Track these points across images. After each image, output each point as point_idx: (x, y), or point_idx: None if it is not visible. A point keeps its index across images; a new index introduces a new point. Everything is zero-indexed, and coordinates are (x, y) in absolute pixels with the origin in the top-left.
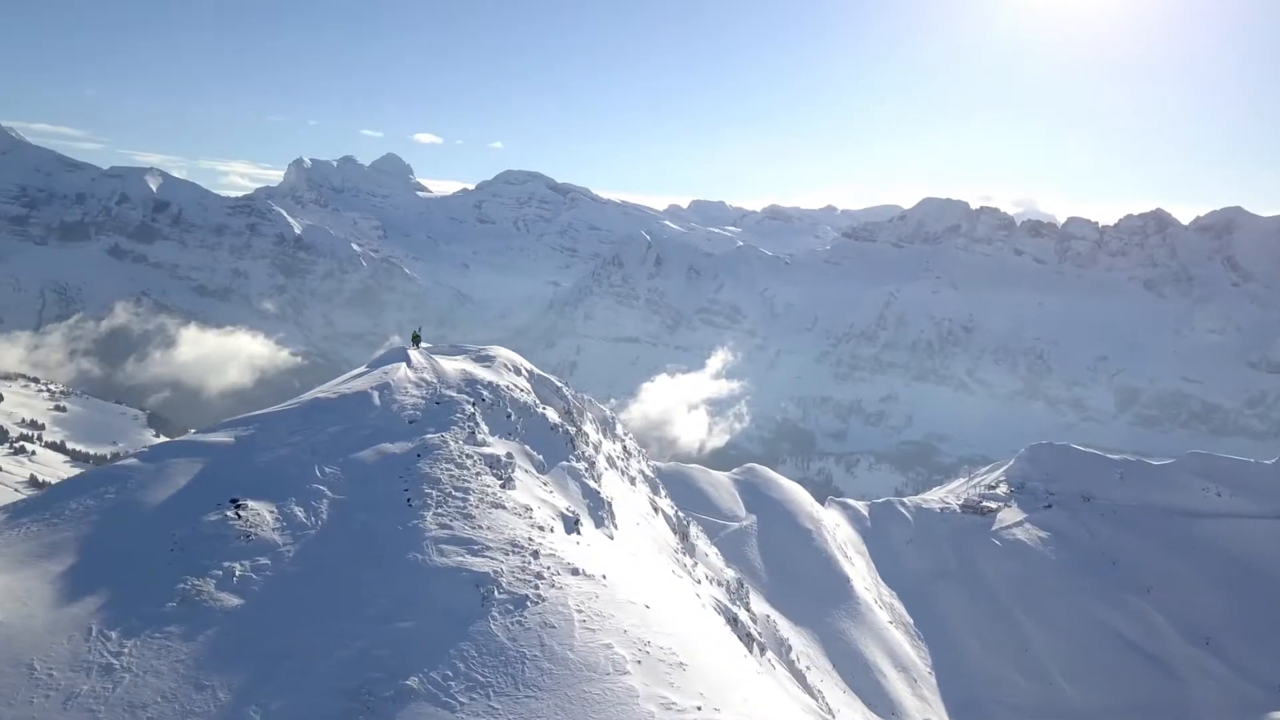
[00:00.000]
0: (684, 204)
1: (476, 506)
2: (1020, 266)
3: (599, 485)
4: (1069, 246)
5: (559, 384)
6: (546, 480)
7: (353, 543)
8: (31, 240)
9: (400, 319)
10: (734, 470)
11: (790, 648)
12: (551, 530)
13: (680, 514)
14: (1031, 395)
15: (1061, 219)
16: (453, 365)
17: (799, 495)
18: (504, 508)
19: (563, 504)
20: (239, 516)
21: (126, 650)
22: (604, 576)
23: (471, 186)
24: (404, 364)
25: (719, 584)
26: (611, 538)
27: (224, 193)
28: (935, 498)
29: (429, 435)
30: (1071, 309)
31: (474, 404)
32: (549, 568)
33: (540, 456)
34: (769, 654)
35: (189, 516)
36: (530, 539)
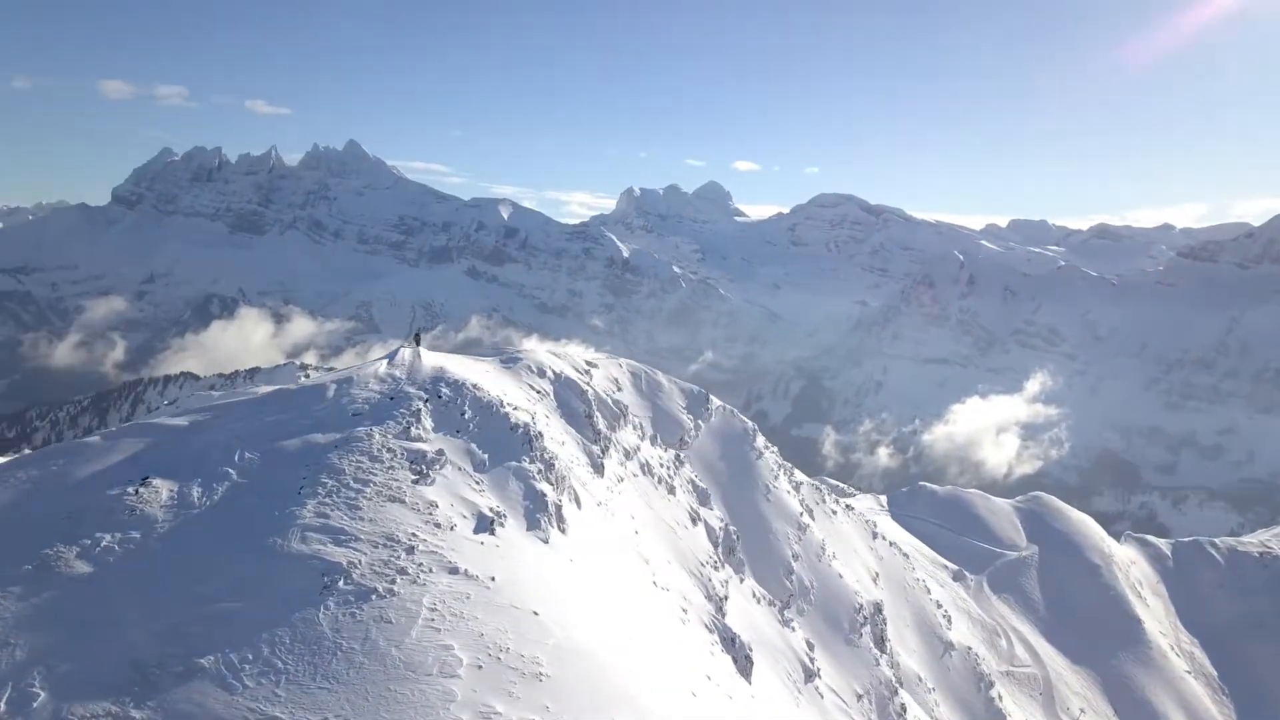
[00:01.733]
0: (1002, 223)
1: (370, 499)
2: None
3: (552, 487)
4: None
5: (584, 387)
6: (480, 479)
7: (225, 524)
8: (407, 263)
9: (714, 336)
10: (1017, 498)
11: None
12: (452, 528)
13: (732, 528)
14: None
15: None
16: (433, 363)
17: (1088, 527)
18: (401, 501)
19: (489, 503)
20: (136, 493)
21: None
22: (493, 579)
23: (786, 210)
24: (385, 360)
25: (770, 604)
26: (546, 541)
27: (564, 220)
28: (1255, 540)
29: (359, 428)
30: None
31: (426, 400)
32: (421, 564)
33: (485, 455)
34: (816, 683)
35: (98, 490)
36: (414, 534)
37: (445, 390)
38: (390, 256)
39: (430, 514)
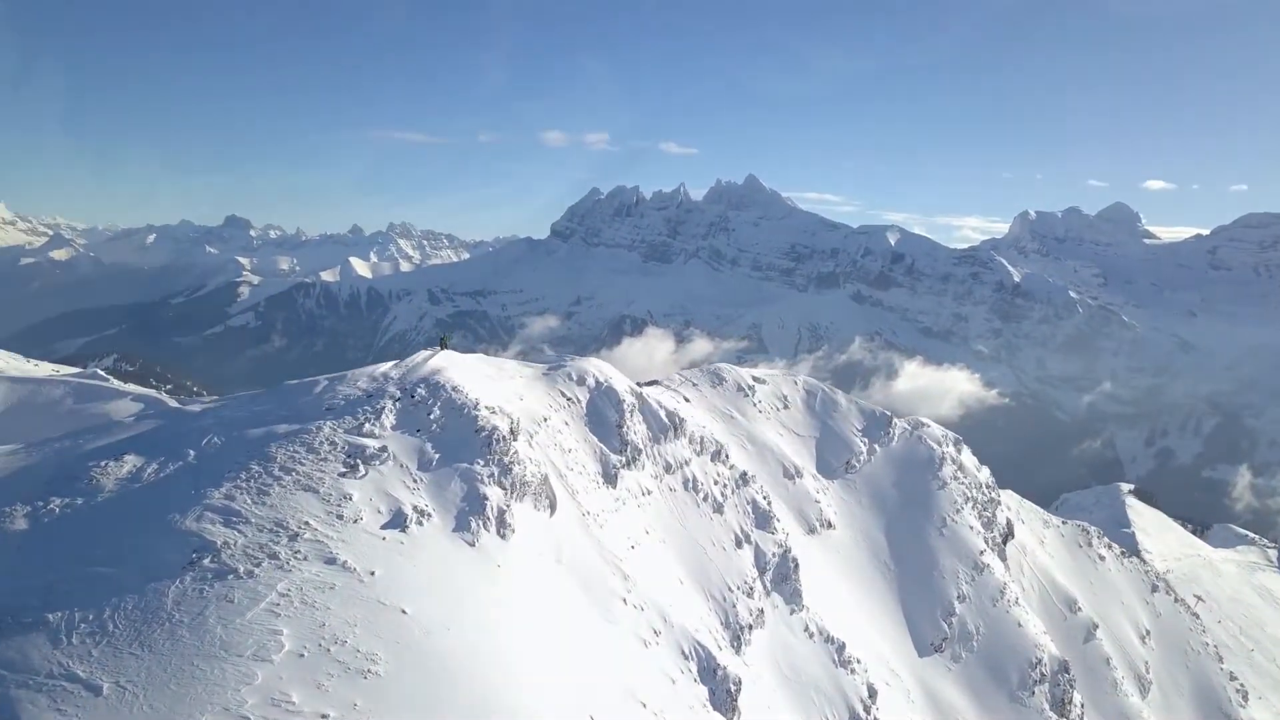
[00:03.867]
0: None
1: (285, 487)
2: None
3: (505, 491)
4: None
5: (624, 397)
6: (420, 478)
7: (149, 498)
8: (795, 288)
9: (1115, 365)
10: None
11: None
12: (356, 521)
13: (794, 555)
14: None
15: None
16: (437, 365)
17: None
18: (315, 492)
19: (416, 501)
20: (104, 466)
21: None
22: (372, 573)
23: (1205, 232)
24: (394, 362)
25: (827, 640)
26: (473, 544)
27: (954, 245)
28: None
29: (314, 422)
30: None
31: (397, 400)
32: (298, 551)
33: (436, 455)
34: None
35: (86, 461)
36: (307, 523)
37: (421, 391)
38: (781, 282)
39: (339, 506)
